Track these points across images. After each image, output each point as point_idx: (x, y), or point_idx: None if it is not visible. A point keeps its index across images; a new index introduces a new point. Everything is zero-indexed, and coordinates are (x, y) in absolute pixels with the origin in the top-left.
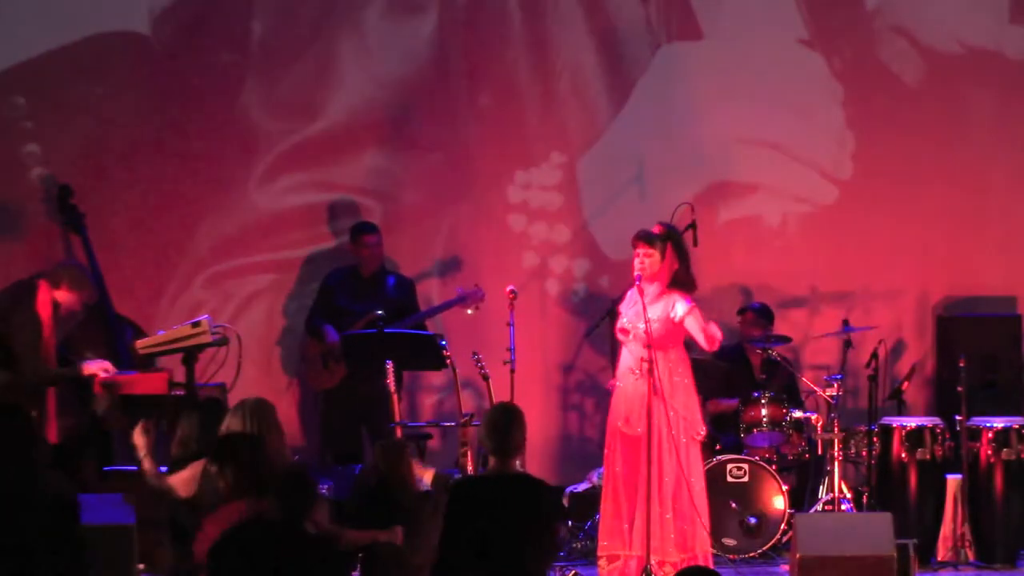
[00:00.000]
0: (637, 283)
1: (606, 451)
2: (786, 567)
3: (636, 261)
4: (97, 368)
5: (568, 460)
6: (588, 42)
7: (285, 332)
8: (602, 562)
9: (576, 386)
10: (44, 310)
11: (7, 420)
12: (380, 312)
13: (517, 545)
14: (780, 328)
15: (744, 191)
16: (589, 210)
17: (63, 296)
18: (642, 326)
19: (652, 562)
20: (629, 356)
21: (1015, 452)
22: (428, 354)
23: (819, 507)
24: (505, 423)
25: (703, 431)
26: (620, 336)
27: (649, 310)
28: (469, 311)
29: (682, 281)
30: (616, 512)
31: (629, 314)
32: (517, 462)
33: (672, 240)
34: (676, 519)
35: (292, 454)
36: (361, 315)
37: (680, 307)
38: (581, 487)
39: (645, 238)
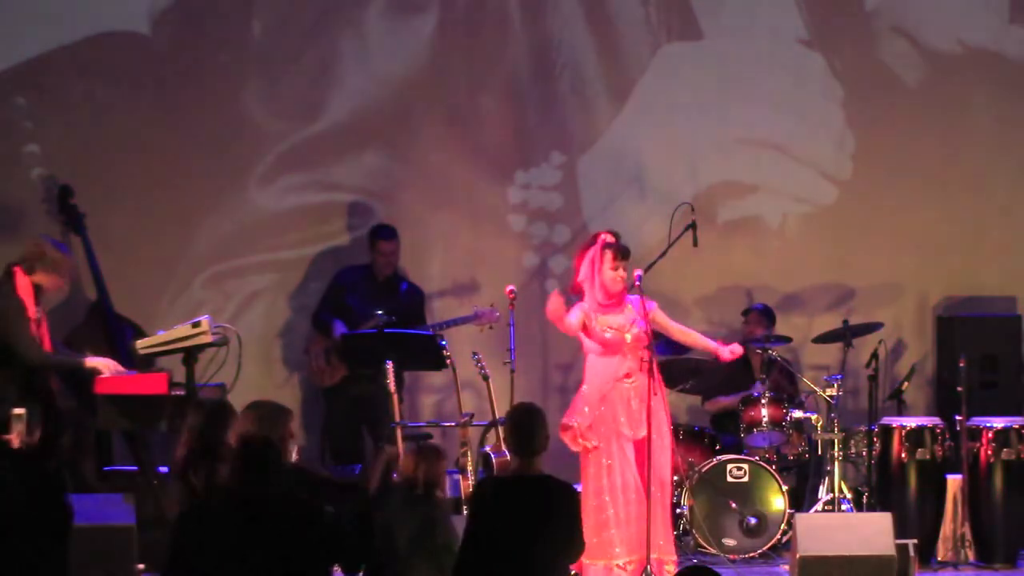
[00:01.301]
0: (637, 283)
1: (605, 458)
2: (786, 567)
3: (614, 275)
4: (101, 364)
5: (568, 460)
6: (588, 42)
7: (285, 332)
8: (632, 567)
9: (576, 386)
10: (25, 294)
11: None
12: (381, 312)
13: (540, 546)
14: (779, 328)
15: (744, 191)
16: (589, 210)
17: (41, 279)
18: (633, 332)
19: (652, 560)
20: (617, 364)
21: (1015, 452)
22: (428, 354)
23: (819, 507)
24: (529, 424)
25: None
26: (603, 343)
27: (623, 316)
28: (481, 331)
29: None
30: (628, 518)
31: (616, 322)
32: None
33: None
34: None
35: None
36: (369, 316)
37: (648, 304)
38: (581, 487)
39: (628, 254)
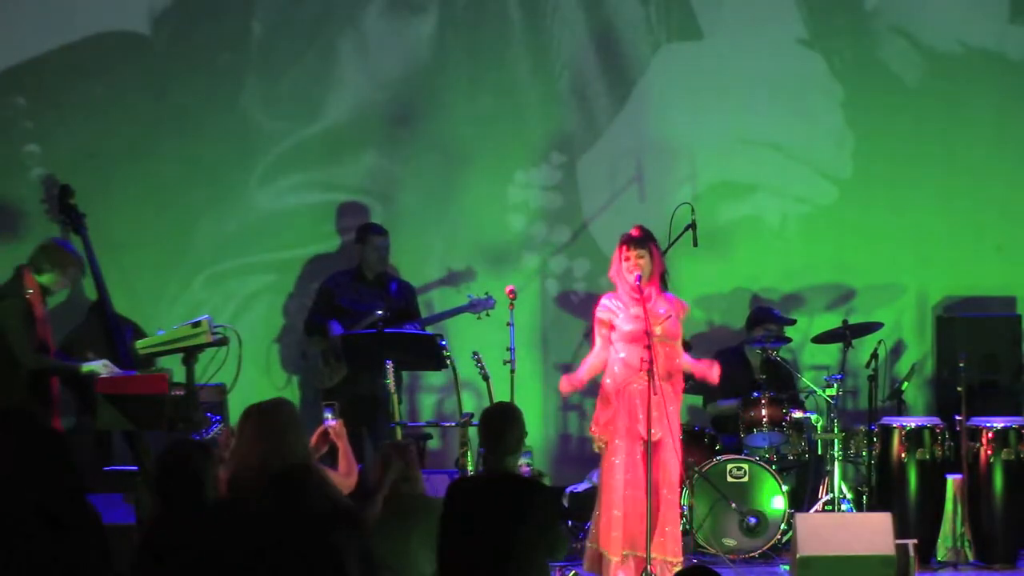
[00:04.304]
0: (637, 282)
1: (610, 456)
2: (786, 567)
3: (627, 264)
4: (98, 367)
5: (568, 460)
6: (588, 42)
7: (285, 332)
8: (629, 563)
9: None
10: (34, 296)
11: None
12: (380, 312)
13: (513, 545)
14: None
15: (744, 191)
16: (589, 210)
17: (49, 279)
18: (641, 326)
19: (653, 560)
20: (629, 359)
21: (1015, 452)
22: (428, 354)
23: (819, 507)
24: (501, 422)
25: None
26: (621, 340)
27: (635, 309)
28: (478, 318)
29: (664, 282)
30: (630, 516)
31: (627, 316)
32: (521, 462)
33: (654, 241)
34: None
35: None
36: (364, 315)
37: (676, 305)
38: (581, 487)
39: (636, 243)
